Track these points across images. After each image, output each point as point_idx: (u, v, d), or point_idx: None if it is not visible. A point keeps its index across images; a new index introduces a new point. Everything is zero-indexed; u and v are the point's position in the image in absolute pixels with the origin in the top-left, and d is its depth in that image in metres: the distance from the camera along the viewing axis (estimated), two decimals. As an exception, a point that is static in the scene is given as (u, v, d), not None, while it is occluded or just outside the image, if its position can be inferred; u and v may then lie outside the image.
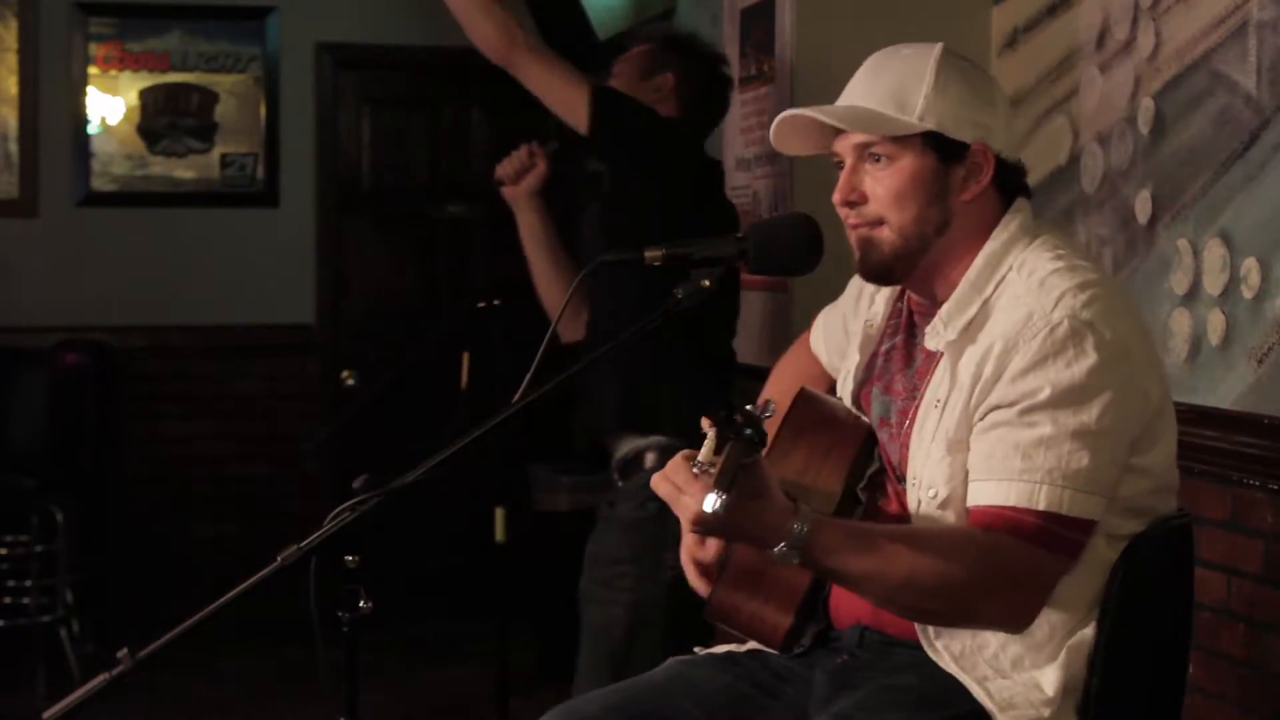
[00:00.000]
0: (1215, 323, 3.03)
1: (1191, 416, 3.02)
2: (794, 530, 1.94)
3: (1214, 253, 3.04)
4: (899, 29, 3.90)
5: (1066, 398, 2.00)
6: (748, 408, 1.89)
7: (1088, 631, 2.07)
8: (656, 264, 2.16)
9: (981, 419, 2.05)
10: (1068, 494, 1.99)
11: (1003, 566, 2.00)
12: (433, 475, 2.10)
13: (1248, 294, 2.94)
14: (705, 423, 1.89)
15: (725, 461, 1.82)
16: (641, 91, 3.56)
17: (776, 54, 4.07)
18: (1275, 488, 2.89)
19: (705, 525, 1.90)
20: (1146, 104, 3.26)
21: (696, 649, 2.36)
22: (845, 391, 2.32)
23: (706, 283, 2.10)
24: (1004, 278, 2.11)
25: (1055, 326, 2.01)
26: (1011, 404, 2.01)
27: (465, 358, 3.86)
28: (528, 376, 2.15)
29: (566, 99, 3.38)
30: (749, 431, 1.83)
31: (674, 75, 3.61)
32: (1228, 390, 3.01)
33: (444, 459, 2.09)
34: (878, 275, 2.18)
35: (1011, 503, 2.00)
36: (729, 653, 2.30)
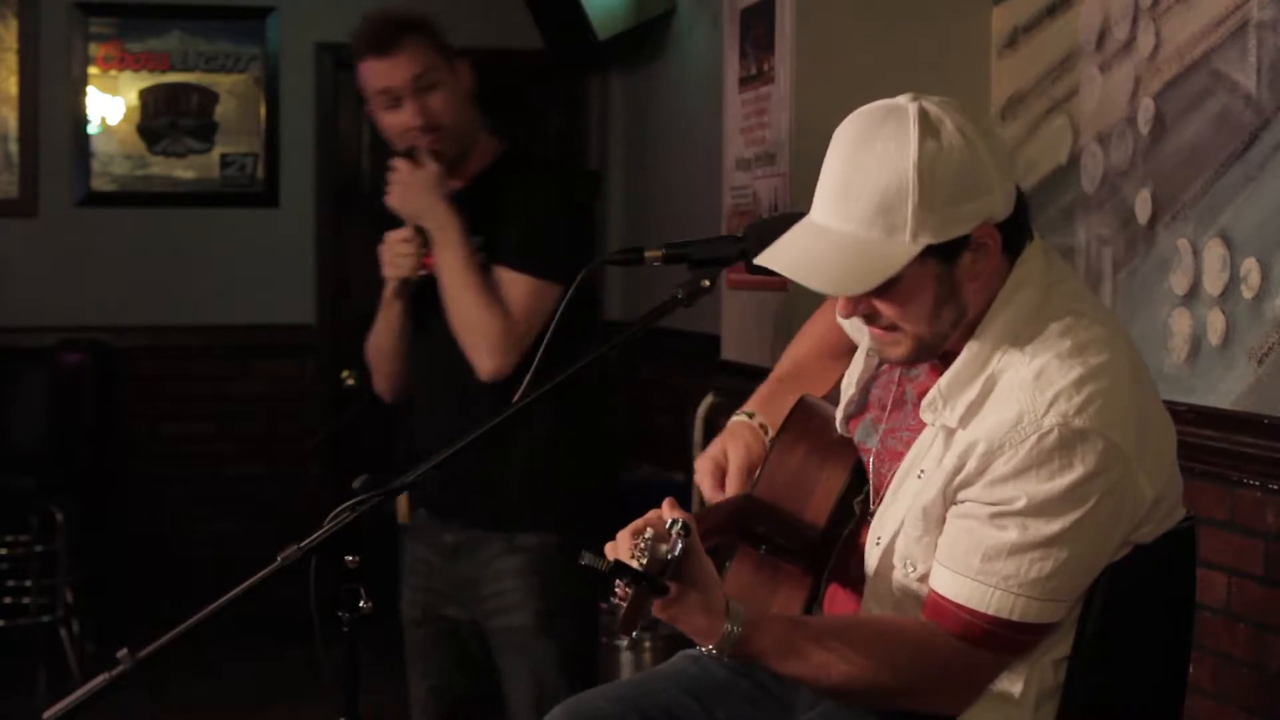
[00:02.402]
0: (1215, 323, 3.03)
1: (1191, 416, 3.02)
2: (725, 634, 1.94)
3: (1214, 253, 3.04)
4: (899, 29, 3.92)
5: (1041, 508, 1.93)
6: (649, 536, 1.87)
7: (1067, 640, 2.06)
8: (656, 264, 2.16)
9: (956, 504, 2.01)
10: (1021, 601, 1.96)
11: (940, 671, 1.99)
12: (432, 475, 2.10)
13: (1248, 294, 2.94)
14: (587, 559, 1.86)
15: (629, 608, 1.84)
16: (468, 107, 3.22)
17: (776, 54, 4.07)
18: (1275, 488, 2.89)
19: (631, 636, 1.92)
20: (1146, 104, 3.26)
21: None
22: (838, 417, 2.29)
23: (706, 283, 2.10)
24: (1008, 351, 1.99)
25: (1044, 435, 1.91)
26: (986, 504, 1.96)
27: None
28: (528, 377, 2.15)
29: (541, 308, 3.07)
30: (644, 583, 1.83)
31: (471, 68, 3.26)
32: (1228, 390, 3.01)
33: (444, 459, 2.09)
34: (903, 365, 2.11)
35: (962, 601, 1.97)
36: None
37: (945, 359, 2.05)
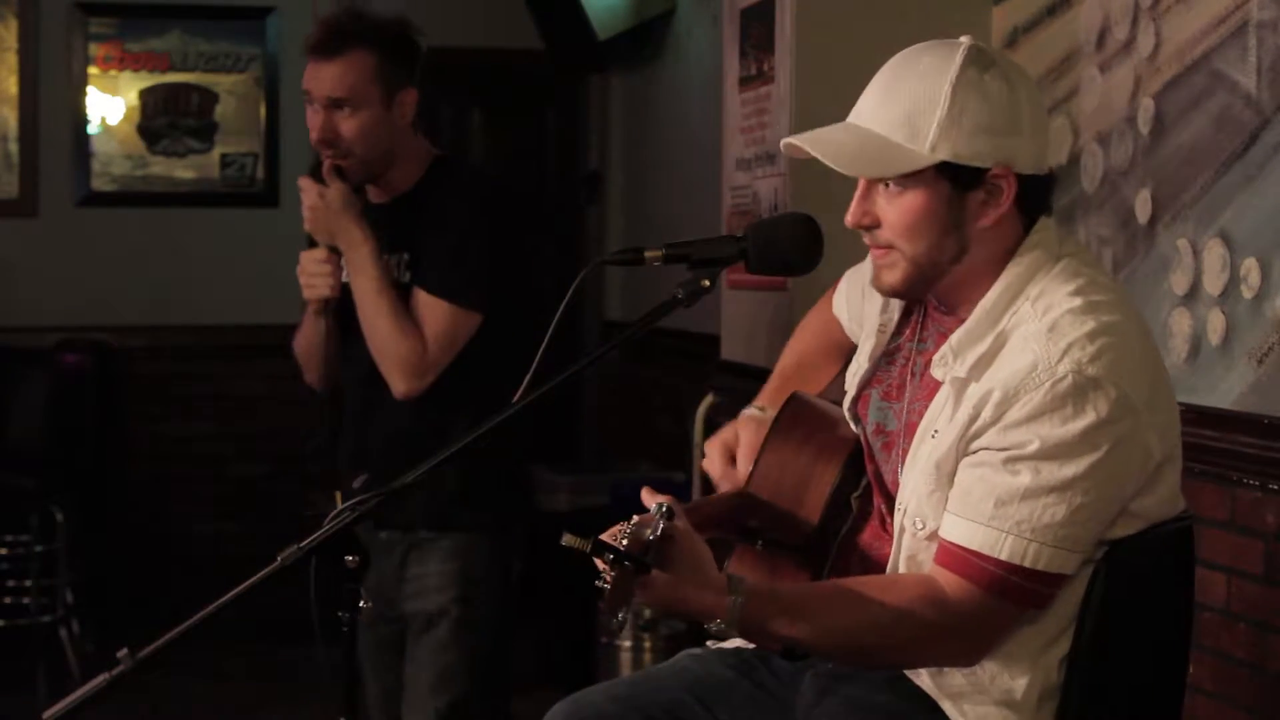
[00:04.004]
0: (1215, 323, 3.03)
1: (1191, 416, 3.02)
2: (730, 606, 1.94)
3: (1214, 253, 3.04)
4: (899, 29, 3.90)
5: (1054, 452, 1.95)
6: (634, 522, 1.87)
7: (1068, 638, 2.06)
8: (656, 264, 2.16)
9: (970, 453, 2.02)
10: (1033, 547, 1.97)
11: (952, 619, 2.00)
12: (433, 475, 2.10)
13: (1248, 294, 2.94)
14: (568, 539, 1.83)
15: (613, 589, 1.82)
16: (390, 137, 3.04)
17: (776, 54, 4.07)
18: (1275, 488, 2.89)
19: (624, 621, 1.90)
20: (1146, 104, 3.26)
21: (708, 642, 2.36)
22: (846, 398, 2.31)
23: (706, 283, 2.10)
24: (1019, 309, 2.04)
25: (1058, 381, 1.95)
26: (999, 449, 1.98)
27: None
28: (528, 377, 2.15)
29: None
30: (627, 564, 1.81)
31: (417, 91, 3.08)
32: (1228, 390, 3.01)
33: (444, 459, 2.09)
34: (893, 295, 2.15)
35: (975, 547, 1.98)
36: (737, 649, 2.30)
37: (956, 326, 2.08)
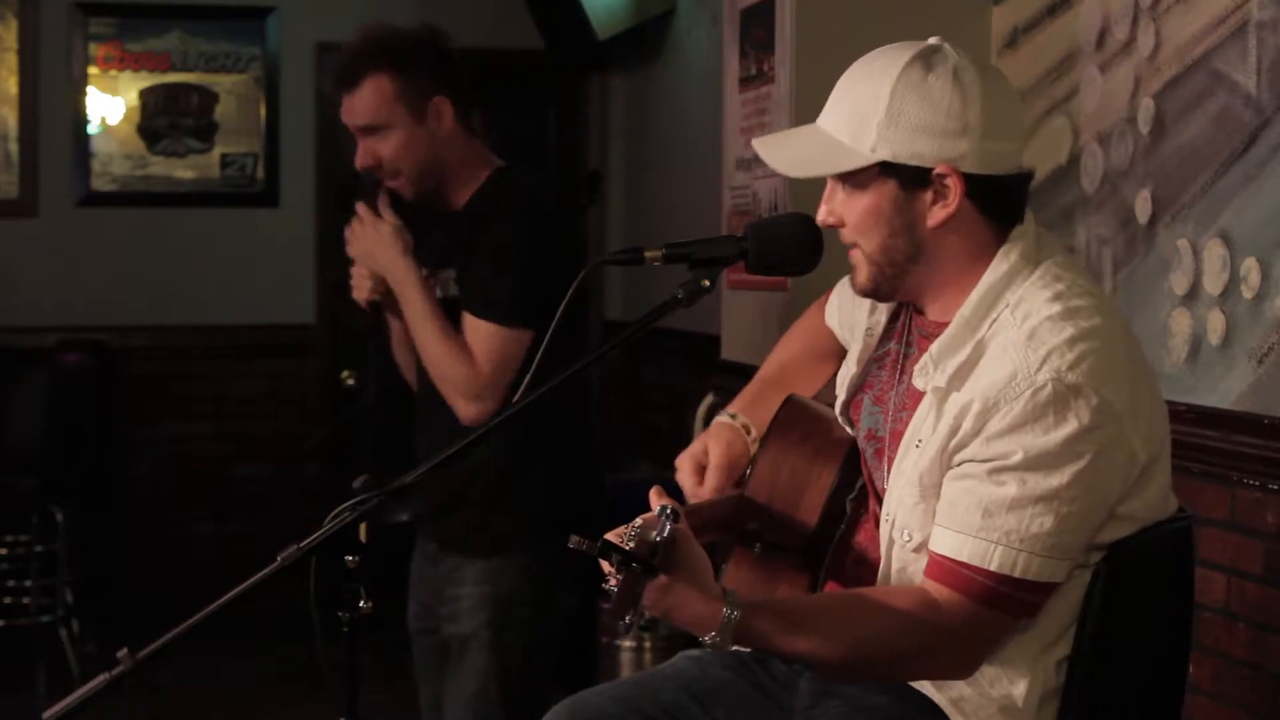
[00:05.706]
0: (1215, 323, 3.03)
1: (1191, 416, 3.02)
2: (724, 620, 1.94)
3: (1214, 253, 3.04)
4: (899, 29, 3.91)
5: (1038, 462, 1.95)
6: (639, 525, 1.87)
7: (1067, 640, 2.06)
8: (656, 264, 2.16)
9: (954, 466, 2.02)
10: (1023, 557, 1.97)
11: (944, 631, 1.99)
12: (432, 475, 2.10)
13: (1248, 294, 2.94)
14: (576, 540, 1.82)
15: (620, 591, 1.81)
16: (435, 149, 3.09)
17: (776, 54, 4.07)
18: (1275, 488, 2.89)
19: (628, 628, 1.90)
20: (1146, 104, 3.26)
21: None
22: (838, 402, 2.31)
23: (706, 283, 2.10)
24: (999, 316, 2.04)
25: (1038, 390, 1.95)
26: (983, 461, 1.98)
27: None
28: (528, 376, 2.15)
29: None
30: (635, 565, 1.80)
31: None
32: (1228, 390, 3.01)
33: (444, 459, 2.09)
34: (863, 294, 2.16)
35: (964, 559, 1.98)
36: (735, 651, 2.31)
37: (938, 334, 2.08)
